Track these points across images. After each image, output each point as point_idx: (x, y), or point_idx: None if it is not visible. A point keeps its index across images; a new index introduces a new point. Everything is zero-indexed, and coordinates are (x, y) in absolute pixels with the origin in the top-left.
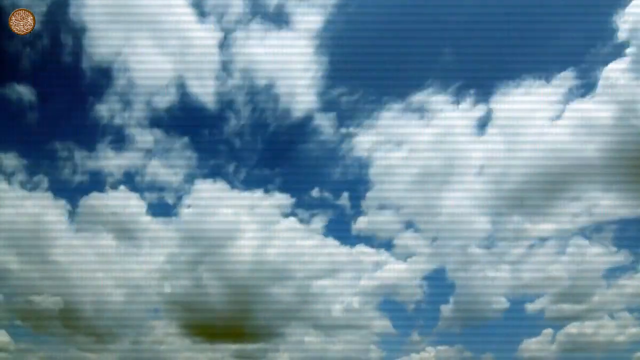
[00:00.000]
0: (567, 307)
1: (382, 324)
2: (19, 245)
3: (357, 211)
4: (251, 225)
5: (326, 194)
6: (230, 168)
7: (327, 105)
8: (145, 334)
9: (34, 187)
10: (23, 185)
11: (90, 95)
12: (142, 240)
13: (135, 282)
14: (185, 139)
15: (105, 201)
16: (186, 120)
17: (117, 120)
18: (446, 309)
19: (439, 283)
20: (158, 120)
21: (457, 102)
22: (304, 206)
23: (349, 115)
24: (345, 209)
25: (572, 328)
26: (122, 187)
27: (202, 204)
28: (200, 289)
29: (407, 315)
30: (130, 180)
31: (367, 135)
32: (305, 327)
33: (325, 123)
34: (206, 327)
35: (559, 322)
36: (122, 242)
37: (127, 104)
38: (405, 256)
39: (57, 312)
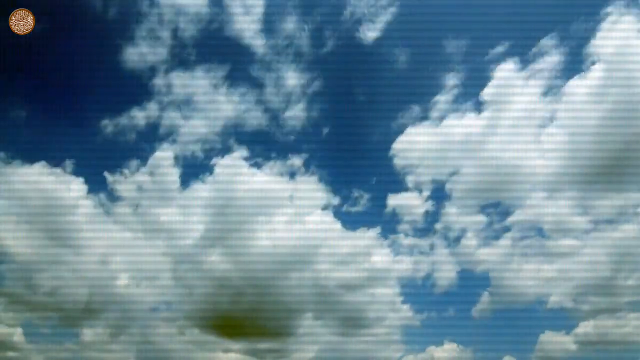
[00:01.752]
0: (604, 300)
1: (406, 316)
2: (23, 221)
3: (399, 187)
4: (282, 202)
5: (370, 164)
6: (269, 125)
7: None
8: (158, 334)
9: (47, 157)
10: (32, 153)
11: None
12: (165, 217)
13: (151, 273)
14: (219, 80)
15: (127, 177)
16: (221, 57)
17: (143, 64)
18: (476, 303)
19: (472, 277)
20: (188, 60)
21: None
22: (342, 185)
23: (426, 53)
24: (386, 185)
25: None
26: (135, 161)
27: (228, 179)
28: (215, 280)
29: (431, 307)
30: (151, 140)
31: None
32: (325, 319)
33: (397, 59)
34: (222, 324)
35: (594, 315)
36: (142, 220)
37: (155, 40)
38: (442, 243)
39: (70, 306)
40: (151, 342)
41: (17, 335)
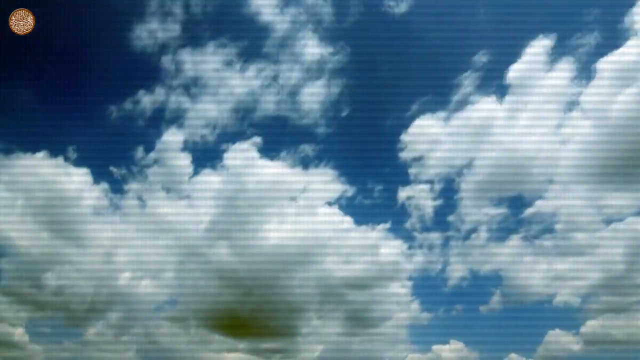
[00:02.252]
0: (613, 299)
1: (413, 314)
2: (25, 214)
3: (411, 179)
4: (293, 194)
5: (384, 155)
6: (285, 104)
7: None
8: (162, 333)
9: (48, 146)
10: (34, 142)
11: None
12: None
13: (155, 272)
14: (233, 57)
15: (133, 166)
16: (236, 32)
17: (153, 42)
18: (484, 301)
19: (482, 274)
20: (201, 37)
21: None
22: (356, 176)
23: (456, 28)
24: (398, 177)
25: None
26: (142, 149)
27: (238, 169)
28: (221, 280)
29: (439, 305)
30: (159, 126)
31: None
32: (331, 318)
33: (425, 35)
34: (227, 324)
35: (602, 314)
36: (148, 213)
37: (166, 16)
38: (454, 239)
39: (74, 305)
40: (155, 341)
41: (19, 333)
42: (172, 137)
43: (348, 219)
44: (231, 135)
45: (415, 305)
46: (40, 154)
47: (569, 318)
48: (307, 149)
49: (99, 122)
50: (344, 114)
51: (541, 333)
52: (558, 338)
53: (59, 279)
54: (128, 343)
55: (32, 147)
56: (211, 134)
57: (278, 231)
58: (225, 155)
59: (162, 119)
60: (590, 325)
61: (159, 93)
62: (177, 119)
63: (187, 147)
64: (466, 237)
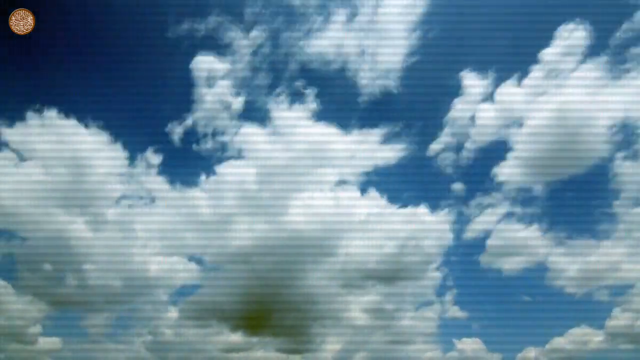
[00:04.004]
0: None
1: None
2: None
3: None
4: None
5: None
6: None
7: None
8: (180, 333)
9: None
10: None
11: None
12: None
13: (175, 257)
14: None
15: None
16: None
17: None
18: (517, 292)
19: (519, 264)
20: None
21: None
22: (404, 141)
23: None
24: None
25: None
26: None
27: (282, 139)
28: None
29: (470, 298)
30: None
31: None
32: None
33: None
34: (247, 324)
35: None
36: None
37: None
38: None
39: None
40: (169, 341)
41: (32, 328)
42: (208, 95)
43: (386, 196)
44: (281, 85)
45: (447, 299)
46: (58, 117)
47: (598, 318)
48: (365, 98)
49: (123, 76)
50: (431, 34)
51: (565, 328)
52: (583, 337)
53: (75, 267)
54: (141, 342)
55: (50, 111)
56: (255, 75)
57: (311, 207)
58: (272, 113)
59: (191, 77)
60: (616, 319)
61: (197, 20)
62: (215, 49)
63: (226, 95)
64: (516, 216)
